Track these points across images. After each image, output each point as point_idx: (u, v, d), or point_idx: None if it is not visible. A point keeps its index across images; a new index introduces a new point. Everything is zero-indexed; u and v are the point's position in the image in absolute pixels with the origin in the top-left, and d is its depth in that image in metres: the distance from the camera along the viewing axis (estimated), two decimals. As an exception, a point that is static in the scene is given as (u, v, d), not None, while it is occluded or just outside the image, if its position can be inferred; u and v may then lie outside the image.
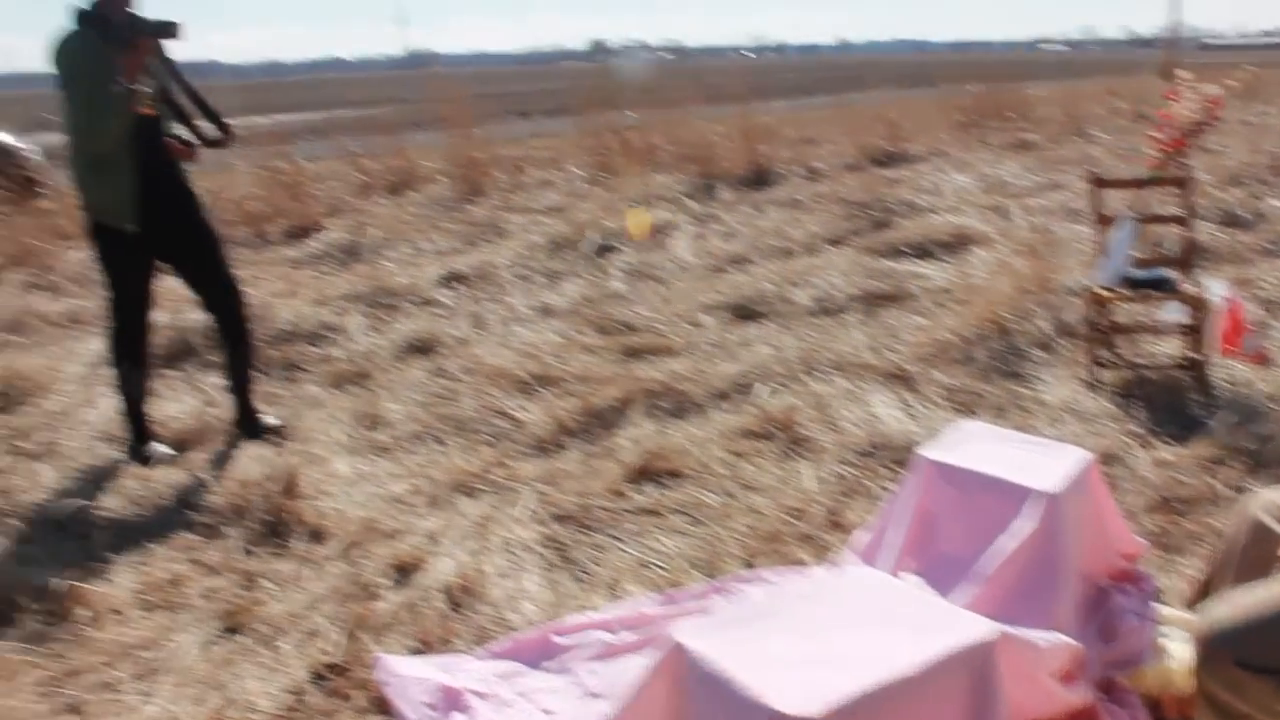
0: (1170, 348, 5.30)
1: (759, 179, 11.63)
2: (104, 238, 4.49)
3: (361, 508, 4.10)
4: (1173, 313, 5.09)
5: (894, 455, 4.21)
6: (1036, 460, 3.07)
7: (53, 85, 4.30)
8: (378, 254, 8.65)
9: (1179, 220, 5.15)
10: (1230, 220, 8.80)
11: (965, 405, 4.82)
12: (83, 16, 4.27)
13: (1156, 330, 5.22)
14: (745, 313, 6.42)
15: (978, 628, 2.32)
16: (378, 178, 12.31)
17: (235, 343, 4.91)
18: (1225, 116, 5.46)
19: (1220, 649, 2.10)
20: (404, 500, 4.18)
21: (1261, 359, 5.01)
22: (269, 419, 5.02)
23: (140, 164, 4.38)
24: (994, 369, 5.23)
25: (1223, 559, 2.57)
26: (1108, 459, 4.18)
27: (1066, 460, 3.06)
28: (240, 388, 4.96)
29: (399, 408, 5.17)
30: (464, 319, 6.62)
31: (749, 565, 3.51)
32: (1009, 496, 2.92)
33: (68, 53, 4.25)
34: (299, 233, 9.55)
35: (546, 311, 6.70)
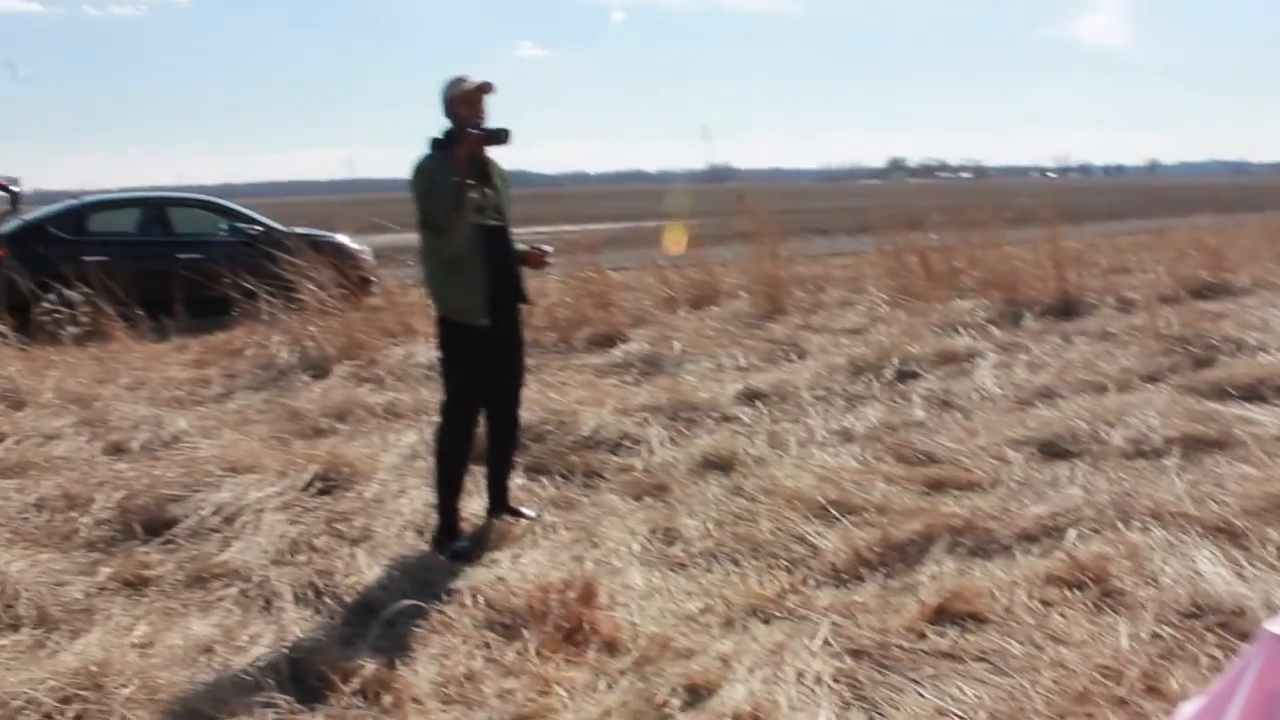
0: None
1: (1067, 308, 11.24)
2: (453, 332, 4.99)
3: (655, 623, 4.14)
4: None
5: (1221, 619, 3.90)
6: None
7: (411, 199, 4.88)
8: (679, 367, 8.84)
9: None
10: None
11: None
12: (436, 142, 4.93)
13: None
14: (1054, 450, 6.15)
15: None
16: (680, 290, 12.64)
17: (511, 429, 5.36)
18: None
19: None
20: (697, 619, 4.19)
21: None
22: (526, 510, 5.42)
23: (489, 267, 4.89)
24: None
25: None
26: None
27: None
28: (504, 473, 5.39)
29: (695, 524, 5.22)
30: (762, 438, 6.64)
31: (1058, 726, 3.32)
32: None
33: (423, 170, 4.86)
34: (604, 341, 9.89)
35: (845, 436, 6.63)
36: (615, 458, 6.33)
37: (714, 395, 7.59)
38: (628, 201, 58.60)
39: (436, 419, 5.22)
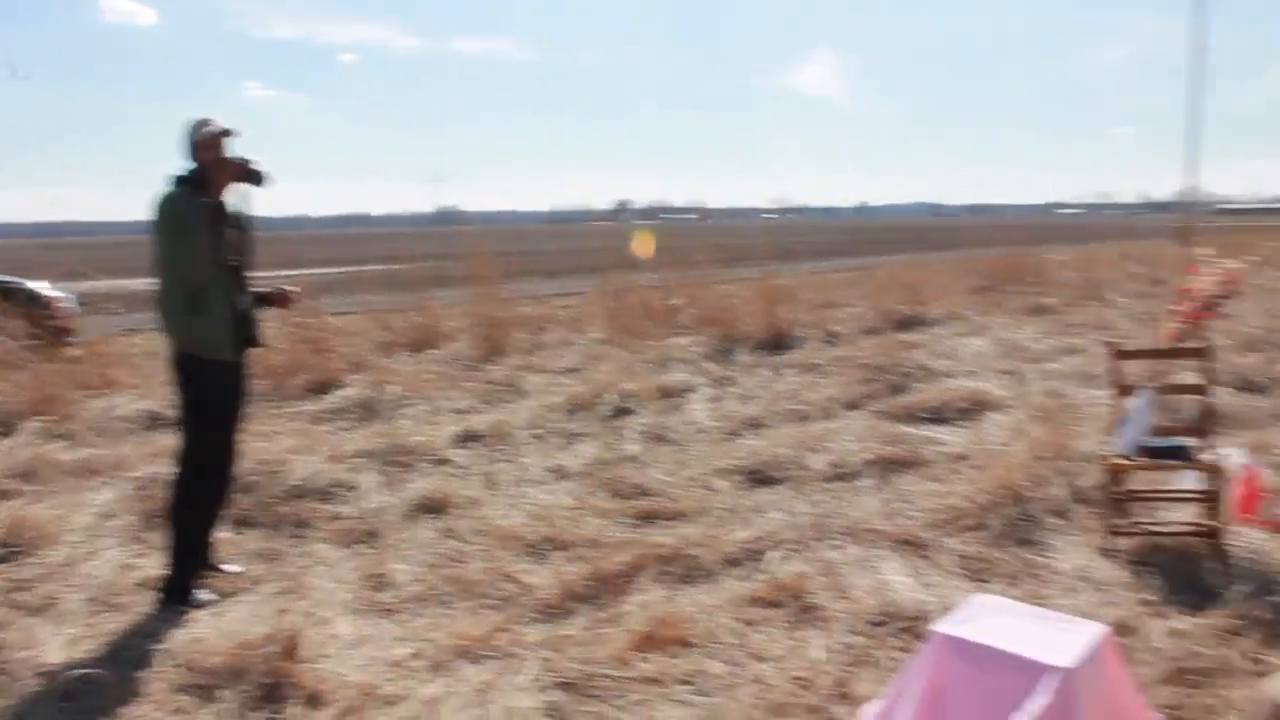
0: (1187, 515, 5.24)
1: (778, 342, 11.73)
2: (197, 370, 4.83)
3: (361, 671, 4.03)
4: (1189, 481, 5.07)
5: (905, 625, 4.15)
6: (1051, 635, 3.03)
7: (152, 237, 4.69)
8: (395, 411, 8.69)
9: (1197, 389, 5.15)
10: (1246, 386, 8.81)
11: (978, 574, 4.76)
12: (181, 180, 4.78)
13: (1173, 499, 5.18)
14: (760, 477, 6.39)
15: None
16: (401, 334, 12.45)
17: (224, 480, 5.16)
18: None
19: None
20: (405, 664, 4.10)
21: (1278, 526, 4.96)
22: (228, 566, 5.20)
23: (233, 304, 4.86)
24: (1008, 536, 5.18)
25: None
26: (1122, 629, 4.10)
27: (1082, 634, 3.03)
28: (209, 528, 5.14)
29: (406, 568, 5.12)
30: (477, 479, 6.61)
31: (754, 738, 3.43)
32: (1023, 673, 2.87)
33: (169, 205, 4.70)
34: (319, 388, 9.61)
35: (560, 473, 6.68)
36: (326, 506, 6.15)
37: (429, 438, 7.50)
38: (350, 247, 57.48)
39: (174, 469, 4.91)
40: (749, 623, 4.32)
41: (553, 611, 4.55)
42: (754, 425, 7.79)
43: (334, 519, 5.94)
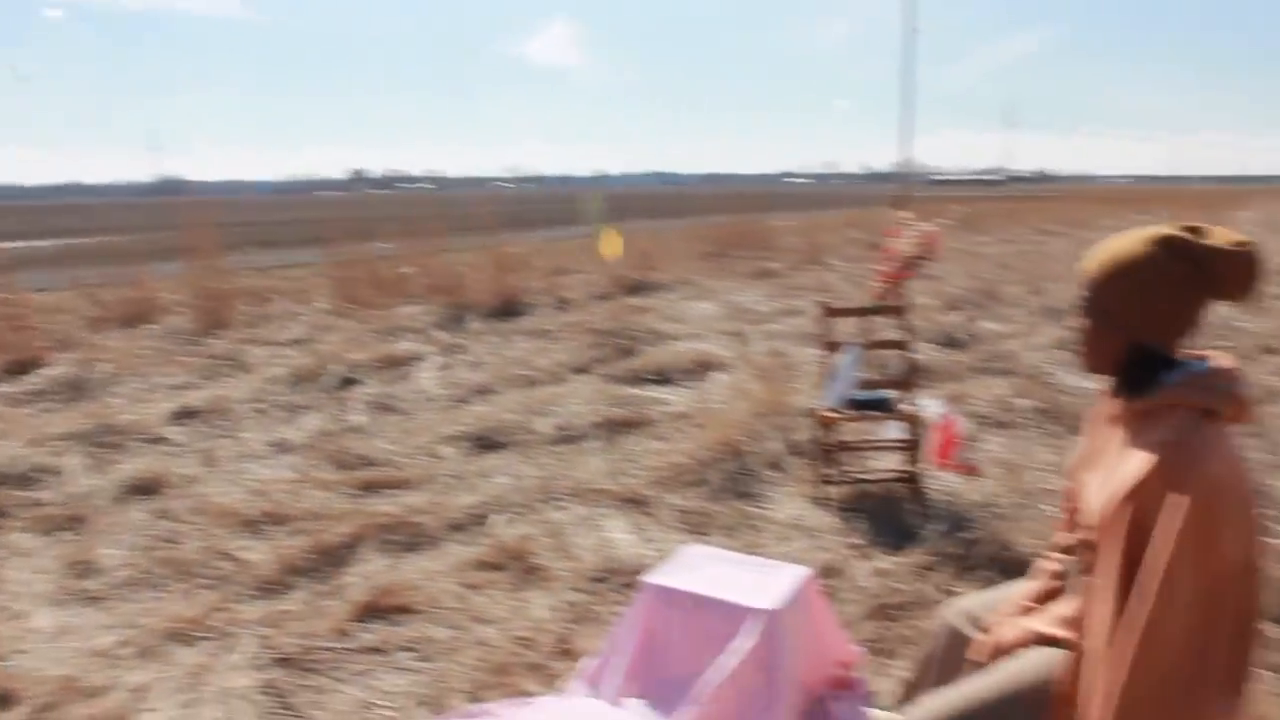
0: (890, 463, 5.55)
1: (509, 309, 11.73)
2: None
3: (61, 665, 3.80)
4: (892, 431, 5.36)
5: (625, 580, 4.22)
6: (756, 579, 3.15)
7: None
8: (106, 390, 8.22)
9: (899, 345, 5.44)
10: (949, 341, 9.41)
11: (697, 527, 4.91)
12: None
13: (878, 447, 5.47)
14: (486, 443, 6.38)
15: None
16: (113, 309, 11.78)
17: None
18: (947, 246, 5.84)
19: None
20: (111, 653, 3.89)
21: (971, 470, 5.32)
22: None
23: None
24: (727, 490, 5.36)
25: (924, 662, 2.67)
26: (830, 571, 4.32)
27: (785, 577, 3.16)
28: None
29: (115, 553, 4.85)
30: (194, 456, 6.33)
31: (476, 699, 3.42)
32: (729, 616, 2.97)
33: None
34: (18, 368, 8.99)
35: (282, 447, 6.47)
36: (25, 493, 5.74)
37: (143, 417, 7.12)
38: (63, 218, 53.84)
39: None
40: (473, 587, 4.30)
41: (271, 587, 4.40)
42: (482, 392, 7.77)
43: (34, 506, 5.56)
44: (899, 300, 5.37)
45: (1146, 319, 2.00)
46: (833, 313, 5.40)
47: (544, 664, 3.64)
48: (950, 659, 2.56)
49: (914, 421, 5.16)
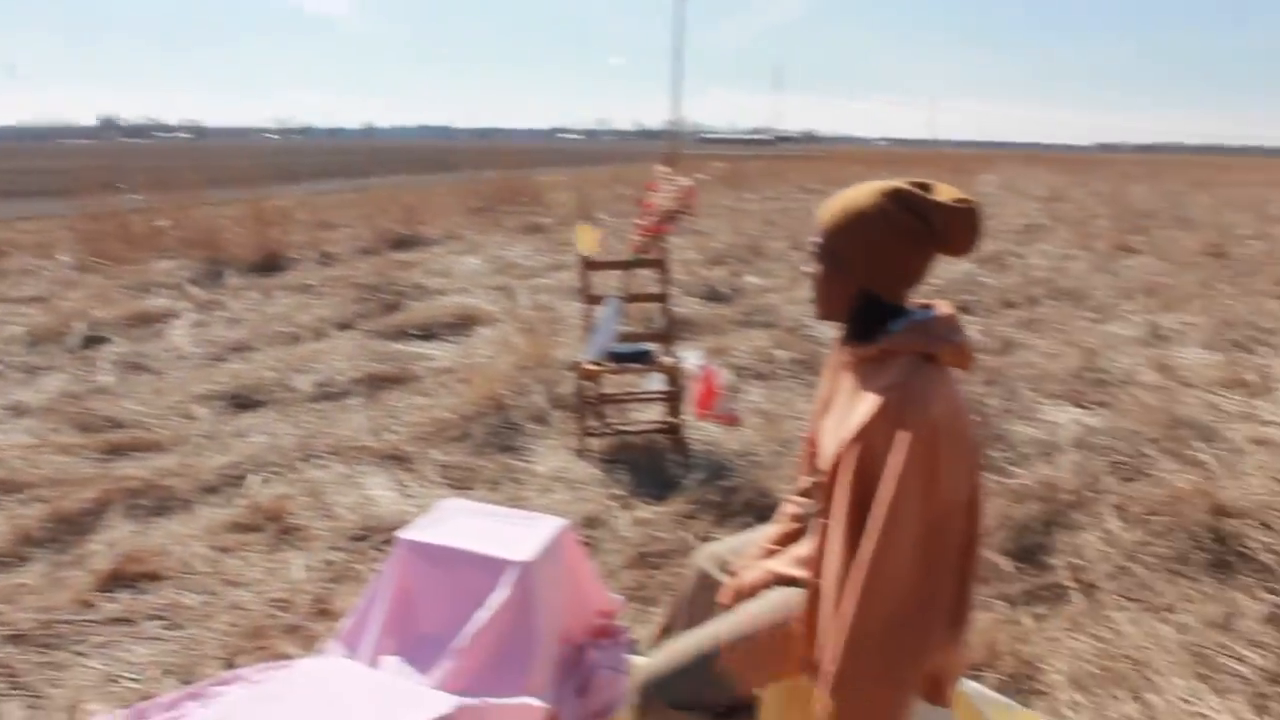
0: (652, 415, 5.65)
1: (270, 264, 11.34)
2: None
3: None
4: (654, 383, 5.46)
5: (386, 537, 4.17)
6: (513, 532, 3.15)
7: None
8: None
9: (660, 298, 5.52)
10: (713, 295, 9.63)
11: (461, 481, 4.89)
12: None
13: (640, 399, 5.56)
14: (243, 402, 6.16)
15: (435, 704, 2.34)
16: None
17: None
18: (715, 202, 5.92)
19: (653, 695, 2.23)
20: None
21: (732, 420, 5.47)
22: None
23: None
24: (490, 444, 5.36)
25: (676, 607, 2.74)
26: (593, 522, 4.38)
27: (542, 529, 3.17)
28: None
29: None
30: (-87, 425, 5.89)
31: (230, 665, 3.33)
32: (484, 570, 2.97)
33: None
34: None
35: (19, 410, 6.08)
36: None
37: None
38: None
39: None
40: (226, 550, 4.16)
41: (5, 561, 4.15)
42: (240, 349, 7.49)
43: None
44: (659, 254, 5.44)
45: (874, 267, 2.08)
46: (593, 266, 5.44)
47: (302, 625, 3.56)
48: (700, 602, 2.63)
49: (674, 373, 5.26)
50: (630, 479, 4.91)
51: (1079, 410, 6.21)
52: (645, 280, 5.66)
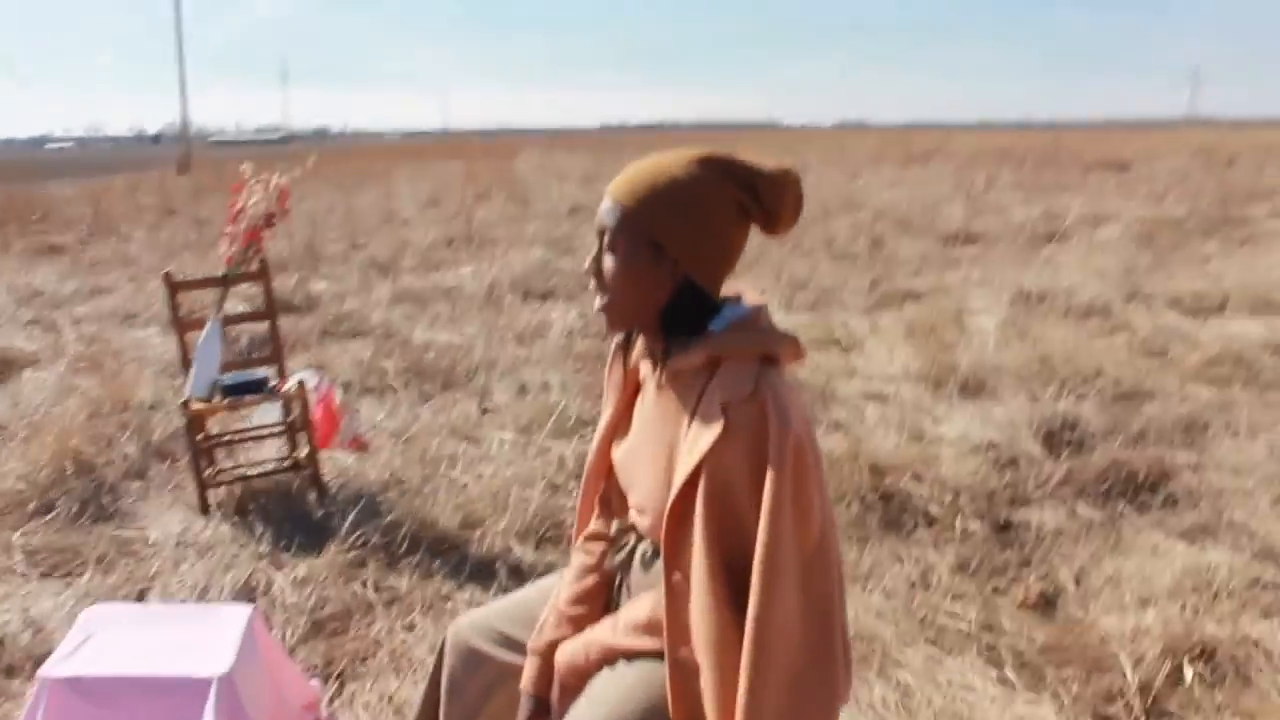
0: (272, 452, 4.94)
1: None
2: None
3: None
4: (270, 414, 4.74)
5: (12, 674, 3.22)
6: (193, 636, 2.46)
7: None
8: None
9: (263, 315, 4.81)
10: (286, 307, 8.79)
11: (60, 568, 3.92)
12: None
13: (254, 437, 4.82)
14: None
15: None
16: None
17: None
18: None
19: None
20: None
21: (361, 445, 4.87)
22: None
23: None
24: (84, 514, 4.39)
25: (438, 691, 2.15)
26: (247, 591, 3.67)
27: (226, 624, 2.51)
28: None
29: None
30: None
31: None
32: (172, 696, 2.28)
33: None
34: None
35: None
36: None
37: None
38: None
39: None
40: None
41: None
42: None
43: None
44: (256, 265, 4.69)
45: (702, 250, 1.69)
46: (179, 285, 4.59)
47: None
48: (473, 689, 2.10)
49: (290, 400, 4.57)
50: (271, 532, 4.19)
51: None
52: (239, 296, 4.91)
